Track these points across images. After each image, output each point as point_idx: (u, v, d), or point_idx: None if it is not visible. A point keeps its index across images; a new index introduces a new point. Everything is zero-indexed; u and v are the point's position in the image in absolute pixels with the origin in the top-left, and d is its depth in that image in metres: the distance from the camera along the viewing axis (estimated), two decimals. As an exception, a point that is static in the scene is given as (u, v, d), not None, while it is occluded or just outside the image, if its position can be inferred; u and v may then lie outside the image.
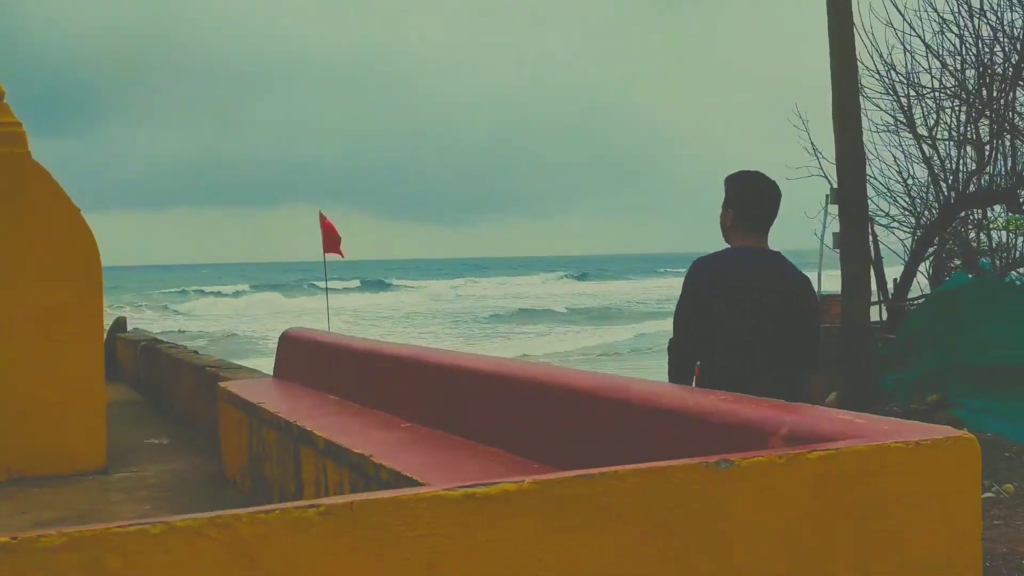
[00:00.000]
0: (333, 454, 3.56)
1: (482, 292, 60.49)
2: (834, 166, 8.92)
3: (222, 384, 5.36)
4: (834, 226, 9.53)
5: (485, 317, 41.15)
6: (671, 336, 3.28)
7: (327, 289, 16.81)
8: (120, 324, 11.15)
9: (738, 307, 3.09)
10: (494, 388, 3.26)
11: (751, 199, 3.23)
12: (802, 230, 11.16)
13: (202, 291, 57.12)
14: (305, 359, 5.14)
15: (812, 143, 9.75)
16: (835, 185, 9.22)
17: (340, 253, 13.49)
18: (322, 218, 14.04)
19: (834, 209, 9.45)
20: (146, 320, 36.65)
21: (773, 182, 3.28)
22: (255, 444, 4.70)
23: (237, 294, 54.63)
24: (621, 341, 29.14)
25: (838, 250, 9.07)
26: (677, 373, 3.23)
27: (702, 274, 3.20)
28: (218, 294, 54.91)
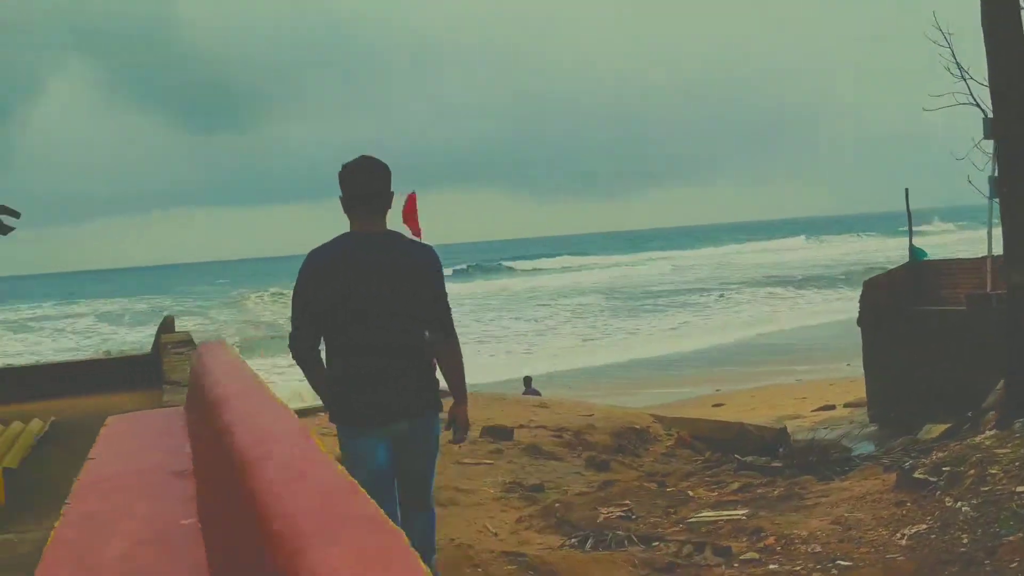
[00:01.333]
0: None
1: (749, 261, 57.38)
2: (986, 88, 6.74)
3: (111, 419, 4.09)
4: (991, 168, 7.32)
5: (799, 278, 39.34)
6: (291, 331, 3.22)
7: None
8: (168, 324, 10.21)
9: (359, 294, 3.08)
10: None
11: (352, 186, 3.21)
12: (951, 178, 8.81)
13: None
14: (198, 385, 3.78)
15: (956, 61, 7.44)
16: (989, 114, 7.02)
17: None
18: (411, 200, 12.89)
19: (989, 146, 7.25)
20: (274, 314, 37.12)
21: (374, 164, 3.25)
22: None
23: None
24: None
25: (996, 199, 6.90)
26: (306, 368, 3.20)
27: (318, 265, 3.14)
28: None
